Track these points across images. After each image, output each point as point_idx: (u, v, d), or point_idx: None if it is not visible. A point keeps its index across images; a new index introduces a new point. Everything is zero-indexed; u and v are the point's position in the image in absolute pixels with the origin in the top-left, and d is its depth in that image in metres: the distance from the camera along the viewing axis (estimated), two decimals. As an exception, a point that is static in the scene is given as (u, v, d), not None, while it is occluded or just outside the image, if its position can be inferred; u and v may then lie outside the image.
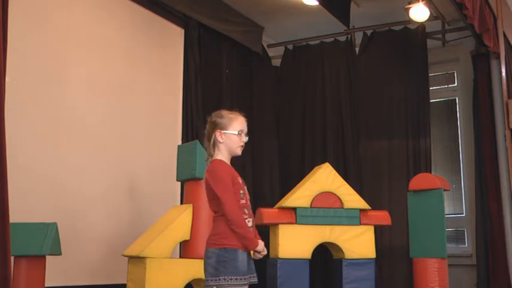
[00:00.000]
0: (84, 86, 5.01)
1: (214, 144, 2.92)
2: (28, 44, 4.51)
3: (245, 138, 2.97)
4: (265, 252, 2.94)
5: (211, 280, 2.78)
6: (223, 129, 2.91)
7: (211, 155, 2.94)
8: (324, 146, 7.00)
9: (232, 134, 2.92)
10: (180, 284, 4.28)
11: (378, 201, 6.42)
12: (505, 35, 6.40)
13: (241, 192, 2.89)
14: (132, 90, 5.50)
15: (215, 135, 2.91)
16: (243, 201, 2.89)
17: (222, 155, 2.93)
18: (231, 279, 2.75)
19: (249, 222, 2.87)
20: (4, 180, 2.79)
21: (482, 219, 6.52)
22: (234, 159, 3.01)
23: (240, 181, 2.93)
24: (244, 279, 2.80)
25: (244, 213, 2.86)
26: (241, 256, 2.81)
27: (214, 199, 2.87)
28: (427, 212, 5.06)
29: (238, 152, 2.97)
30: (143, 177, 5.47)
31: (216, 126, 2.92)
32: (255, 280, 2.89)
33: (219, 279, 2.75)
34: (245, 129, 2.99)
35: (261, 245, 2.90)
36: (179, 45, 6.18)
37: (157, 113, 5.78)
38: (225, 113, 2.98)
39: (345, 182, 5.45)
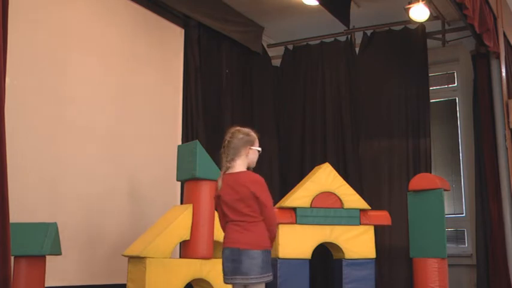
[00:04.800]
0: (84, 86, 5.01)
1: (239, 158, 3.25)
2: (28, 44, 4.51)
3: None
4: None
5: (257, 277, 3.11)
6: (252, 146, 3.29)
7: (228, 167, 3.26)
8: (324, 146, 7.00)
9: (257, 150, 3.31)
10: (180, 284, 4.28)
11: (378, 201, 6.42)
12: (505, 35, 6.40)
13: None
14: (132, 90, 5.50)
15: (246, 150, 3.26)
16: None
17: (244, 167, 3.27)
18: (270, 275, 3.16)
19: None
20: (4, 180, 2.79)
21: (482, 219, 6.52)
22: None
23: None
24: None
25: None
26: None
27: (251, 206, 3.17)
28: (427, 212, 5.06)
29: (255, 165, 3.34)
30: (143, 177, 5.47)
31: (247, 143, 3.27)
32: None
33: (267, 276, 3.14)
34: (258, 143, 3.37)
35: None
36: (179, 45, 6.18)
37: (157, 113, 5.78)
38: (249, 130, 3.34)
39: (344, 182, 5.45)
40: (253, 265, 3.10)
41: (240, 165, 3.26)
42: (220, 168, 3.35)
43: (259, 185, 3.20)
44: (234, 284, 3.17)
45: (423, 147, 6.63)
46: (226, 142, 3.31)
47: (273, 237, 3.24)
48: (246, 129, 3.34)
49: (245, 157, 3.26)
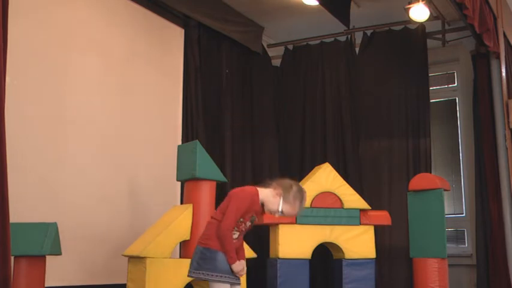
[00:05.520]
0: (84, 86, 5.01)
1: (269, 189, 3.25)
2: (28, 44, 4.51)
3: (278, 215, 3.28)
4: (244, 273, 3.28)
5: (193, 272, 3.24)
6: (282, 197, 3.21)
7: (264, 185, 3.28)
8: (324, 146, 6.99)
9: (278, 205, 3.22)
10: (180, 284, 4.28)
11: (378, 201, 6.41)
12: (505, 35, 6.40)
13: (241, 220, 3.24)
14: (132, 90, 5.50)
15: (277, 193, 3.22)
16: (237, 227, 3.25)
17: (262, 194, 3.26)
18: (209, 274, 3.19)
19: (234, 235, 3.25)
20: (4, 180, 2.79)
21: (482, 219, 6.52)
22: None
23: (249, 215, 3.26)
24: (225, 277, 3.20)
25: (233, 230, 3.24)
26: (221, 257, 3.21)
27: (220, 208, 3.28)
28: (427, 212, 5.06)
29: (267, 213, 3.33)
30: (143, 177, 5.47)
31: (284, 190, 3.21)
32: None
33: (202, 274, 3.21)
34: (289, 214, 3.30)
35: (238, 266, 3.22)
36: (179, 45, 6.18)
37: (157, 113, 5.78)
38: (299, 193, 3.23)
39: (344, 182, 5.46)
40: (192, 259, 3.28)
41: (263, 191, 3.28)
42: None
43: (237, 196, 3.23)
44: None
45: (423, 147, 6.62)
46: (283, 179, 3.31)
47: (224, 247, 3.19)
48: (303, 192, 3.27)
49: (271, 194, 3.24)
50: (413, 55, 6.82)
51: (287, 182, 3.27)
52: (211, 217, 3.35)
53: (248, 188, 3.28)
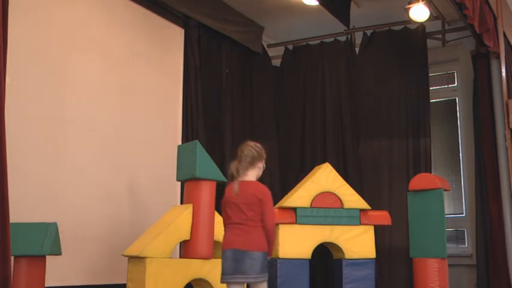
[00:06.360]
0: (84, 86, 5.01)
1: (252, 168, 3.62)
2: (28, 44, 4.51)
3: None
4: None
5: (255, 277, 3.43)
6: (263, 162, 3.68)
7: (238, 174, 3.60)
8: (324, 146, 7.00)
9: (263, 166, 3.70)
10: (180, 284, 4.28)
11: (378, 201, 6.41)
12: (505, 35, 6.40)
13: None
14: (132, 90, 5.50)
15: (260, 164, 3.66)
16: None
17: (254, 177, 3.63)
18: (266, 275, 3.50)
19: None
20: (4, 180, 2.79)
21: (482, 219, 6.52)
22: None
23: None
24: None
25: None
26: None
27: (255, 210, 3.49)
28: (427, 212, 5.06)
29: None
30: (143, 177, 5.47)
31: (262, 158, 3.67)
32: None
33: (264, 276, 3.47)
34: None
35: None
36: (179, 45, 6.18)
37: (157, 113, 5.78)
38: (258, 146, 3.69)
39: (344, 182, 5.45)
40: (253, 265, 3.42)
41: (252, 175, 3.61)
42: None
43: (267, 195, 3.55)
44: (232, 284, 3.46)
45: (423, 147, 6.62)
46: (244, 152, 3.62)
47: (272, 242, 3.57)
48: (260, 146, 3.70)
49: (257, 169, 3.64)
50: (413, 55, 6.82)
51: (250, 152, 3.61)
52: (241, 223, 3.50)
53: (261, 184, 3.61)
